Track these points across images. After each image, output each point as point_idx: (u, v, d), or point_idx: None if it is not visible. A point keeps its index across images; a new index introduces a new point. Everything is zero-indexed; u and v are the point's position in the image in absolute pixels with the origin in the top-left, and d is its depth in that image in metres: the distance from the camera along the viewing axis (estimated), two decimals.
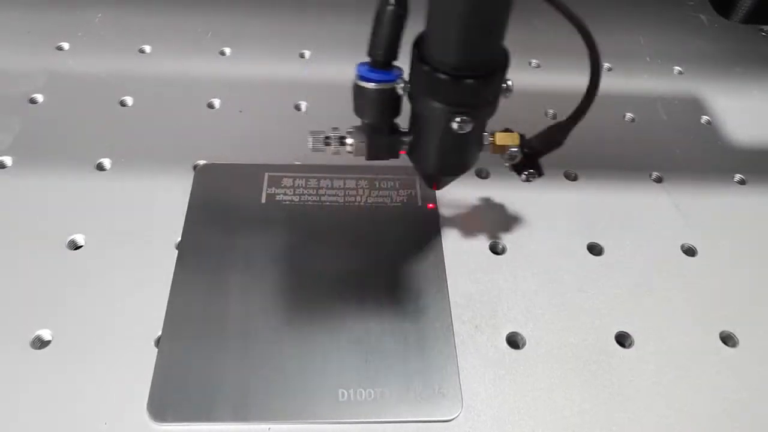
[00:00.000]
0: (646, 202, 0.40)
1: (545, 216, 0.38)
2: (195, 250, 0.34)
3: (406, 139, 0.30)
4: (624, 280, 0.35)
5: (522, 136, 0.31)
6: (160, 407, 0.28)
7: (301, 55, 0.47)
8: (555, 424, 0.29)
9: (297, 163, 0.39)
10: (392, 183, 0.38)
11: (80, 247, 0.34)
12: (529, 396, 0.30)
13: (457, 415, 0.29)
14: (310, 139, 0.30)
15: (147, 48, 0.46)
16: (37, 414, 0.28)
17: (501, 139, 0.31)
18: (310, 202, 0.37)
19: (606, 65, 0.49)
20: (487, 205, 0.38)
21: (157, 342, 0.30)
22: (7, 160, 0.38)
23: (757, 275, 0.36)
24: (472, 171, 0.40)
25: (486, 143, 0.31)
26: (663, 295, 0.35)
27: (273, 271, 0.33)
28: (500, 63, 0.27)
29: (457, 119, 0.27)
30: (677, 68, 0.51)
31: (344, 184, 0.38)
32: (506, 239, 0.37)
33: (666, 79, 0.50)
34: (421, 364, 0.30)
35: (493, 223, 0.37)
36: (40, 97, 0.42)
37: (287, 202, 0.37)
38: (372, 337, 0.31)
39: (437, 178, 0.33)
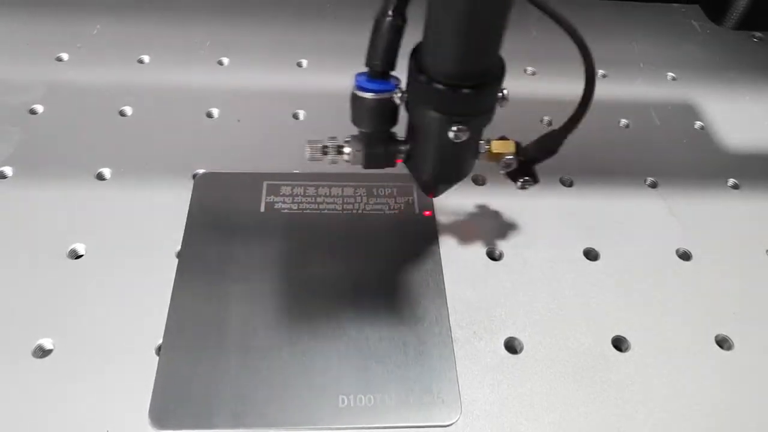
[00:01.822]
0: (641, 207, 0.40)
1: (541, 222, 0.38)
2: (195, 258, 0.34)
3: (403, 147, 0.31)
4: (620, 284, 0.36)
5: (518, 144, 0.32)
6: (161, 415, 0.28)
7: (299, 65, 0.48)
8: (553, 428, 0.30)
9: (295, 171, 0.39)
10: (390, 190, 0.39)
11: (81, 256, 0.34)
12: (528, 400, 0.30)
13: (456, 420, 0.29)
14: (308, 149, 0.31)
15: (146, 58, 0.47)
16: (39, 423, 0.28)
17: (497, 147, 0.31)
18: (308, 210, 0.37)
19: (600, 72, 0.50)
20: (484, 211, 0.39)
21: (158, 350, 0.31)
22: (8, 170, 0.38)
23: (751, 278, 0.37)
24: (468, 178, 0.41)
25: (482, 151, 0.31)
26: (659, 299, 0.35)
27: (272, 279, 0.34)
28: (496, 73, 0.27)
29: (454, 128, 0.27)
30: (670, 74, 0.52)
31: (342, 191, 0.38)
32: (503, 245, 0.37)
33: (659, 85, 0.50)
34: (420, 369, 0.31)
35: (490, 229, 0.38)
36: (40, 108, 0.42)
37: (286, 210, 0.37)
38: (371, 343, 0.31)
39: (434, 186, 0.33)
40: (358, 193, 0.38)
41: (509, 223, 0.38)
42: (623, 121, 0.47)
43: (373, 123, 0.29)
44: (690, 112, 0.48)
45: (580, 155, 0.43)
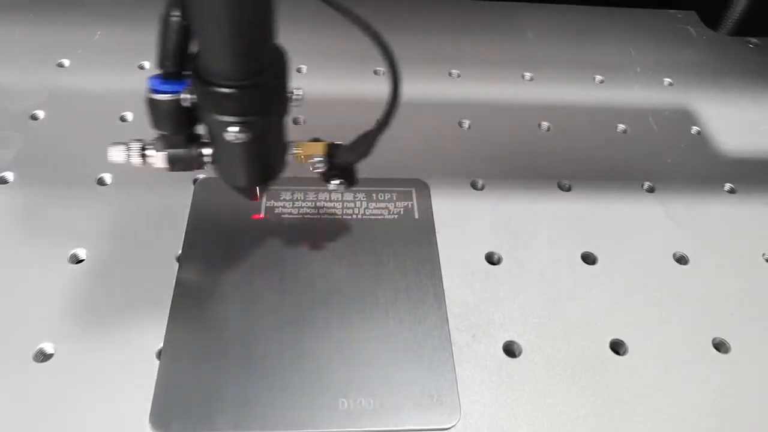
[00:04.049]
0: (639, 212, 0.41)
1: (539, 226, 0.39)
2: (195, 263, 0.34)
3: (206, 150, 0.29)
4: (618, 288, 0.36)
5: (330, 146, 0.31)
6: (162, 418, 0.28)
7: (299, 70, 0.48)
8: (552, 431, 0.30)
9: (295, 176, 0.39)
10: (389, 195, 0.39)
11: (82, 261, 0.34)
12: (526, 403, 0.31)
13: (455, 422, 0.29)
14: (110, 150, 0.29)
15: (146, 64, 0.47)
16: (40, 427, 0.28)
17: (306, 149, 0.31)
18: (308, 215, 0.37)
19: (598, 77, 0.50)
20: (483, 216, 0.39)
21: (159, 354, 0.31)
22: (9, 175, 0.38)
23: (748, 282, 0.37)
24: (467, 182, 0.41)
25: (291, 152, 0.30)
26: (656, 303, 0.36)
27: (272, 283, 0.34)
28: (271, 72, 0.26)
29: (231, 129, 0.26)
30: (667, 80, 0.52)
31: (342, 197, 0.38)
32: (501, 249, 0.37)
33: (656, 91, 0.51)
34: (419, 372, 0.31)
35: (489, 233, 0.38)
36: (41, 114, 0.42)
37: (286, 215, 0.37)
38: (371, 346, 0.32)
39: (248, 188, 0.32)
40: (358, 199, 0.39)
41: (508, 228, 0.38)
42: (621, 127, 0.47)
43: (169, 125, 0.28)
44: (687, 117, 0.49)
45: (578, 160, 0.43)
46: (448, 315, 0.33)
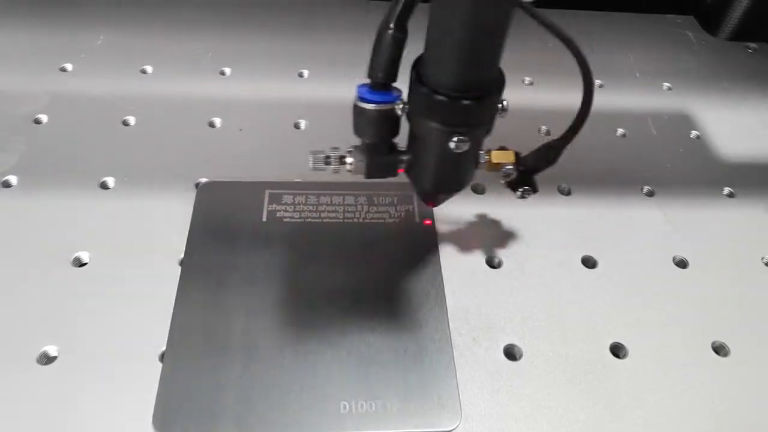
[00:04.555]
0: (638, 216, 0.41)
1: (540, 230, 0.39)
2: (198, 266, 0.35)
3: (405, 158, 0.31)
4: (618, 292, 0.36)
5: (517, 154, 0.32)
6: (165, 421, 0.29)
7: (300, 75, 0.48)
8: None
9: (297, 180, 0.40)
10: (390, 199, 0.39)
11: (85, 264, 0.35)
12: (527, 406, 0.31)
13: (456, 425, 0.30)
14: (311, 159, 0.31)
15: (149, 68, 0.47)
16: (42, 429, 0.28)
17: (497, 157, 0.32)
18: (310, 219, 0.38)
19: (597, 82, 0.51)
20: (484, 220, 0.39)
21: (162, 357, 0.31)
22: (13, 179, 0.38)
23: (747, 285, 0.37)
24: (468, 187, 0.41)
25: (482, 161, 0.32)
26: (656, 306, 0.36)
27: (274, 287, 0.34)
28: (496, 84, 0.28)
29: (455, 139, 0.27)
30: (666, 84, 0.52)
31: (343, 200, 0.39)
32: (502, 253, 0.37)
33: (655, 95, 0.51)
34: (420, 376, 0.31)
35: (490, 237, 0.38)
36: (44, 118, 0.43)
37: (288, 219, 0.37)
38: (372, 350, 0.32)
39: (434, 196, 0.34)
40: (359, 202, 0.39)
41: (508, 232, 0.39)
42: (620, 131, 0.47)
43: (375, 133, 0.29)
44: (686, 121, 0.49)
45: (578, 164, 0.43)
46: (449, 318, 0.34)
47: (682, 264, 0.38)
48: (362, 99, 0.28)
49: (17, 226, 0.36)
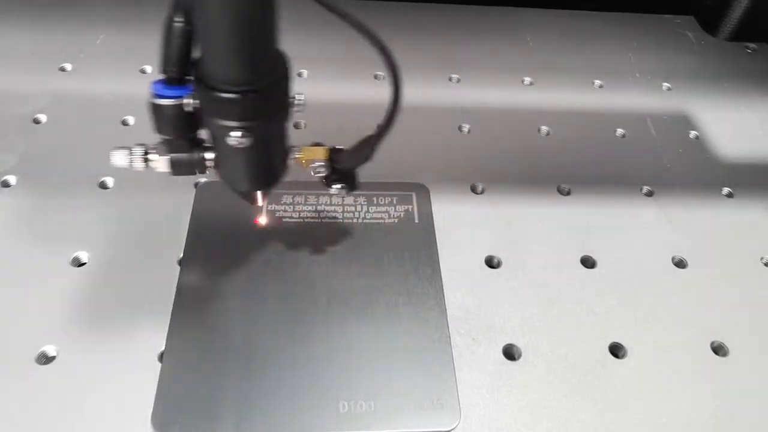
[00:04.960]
0: (638, 216, 0.41)
1: (539, 230, 0.39)
2: (197, 266, 0.35)
3: (209, 155, 0.30)
4: (617, 291, 0.36)
5: (332, 150, 0.31)
6: (164, 421, 0.29)
7: (299, 75, 0.48)
8: None
9: (296, 180, 0.40)
10: (389, 200, 0.39)
11: (84, 264, 0.35)
12: (526, 406, 0.31)
13: (455, 425, 0.30)
14: (113, 154, 0.30)
15: (148, 68, 0.47)
16: (42, 429, 0.28)
17: (307, 153, 0.31)
18: (309, 219, 0.38)
19: (597, 82, 0.51)
20: (483, 220, 0.39)
21: (161, 357, 0.31)
22: (12, 179, 0.38)
23: (746, 285, 0.37)
24: (467, 186, 0.41)
25: (293, 156, 0.31)
26: (655, 306, 0.36)
27: (273, 287, 0.34)
28: (274, 77, 0.26)
29: (233, 134, 0.26)
30: (666, 85, 0.52)
31: (343, 201, 0.39)
32: (501, 253, 0.37)
33: (655, 96, 0.51)
34: (420, 376, 0.31)
35: (489, 237, 0.38)
36: (43, 118, 0.43)
37: (287, 219, 0.37)
38: (372, 350, 0.32)
39: (247, 194, 0.33)
40: (358, 203, 0.39)
41: (507, 231, 0.39)
42: (620, 131, 0.47)
43: (173, 129, 0.28)
44: (685, 121, 0.49)
45: (578, 164, 0.44)
46: (448, 318, 0.34)
47: (681, 264, 0.38)
48: (156, 95, 0.27)
49: (16, 225, 0.36)
